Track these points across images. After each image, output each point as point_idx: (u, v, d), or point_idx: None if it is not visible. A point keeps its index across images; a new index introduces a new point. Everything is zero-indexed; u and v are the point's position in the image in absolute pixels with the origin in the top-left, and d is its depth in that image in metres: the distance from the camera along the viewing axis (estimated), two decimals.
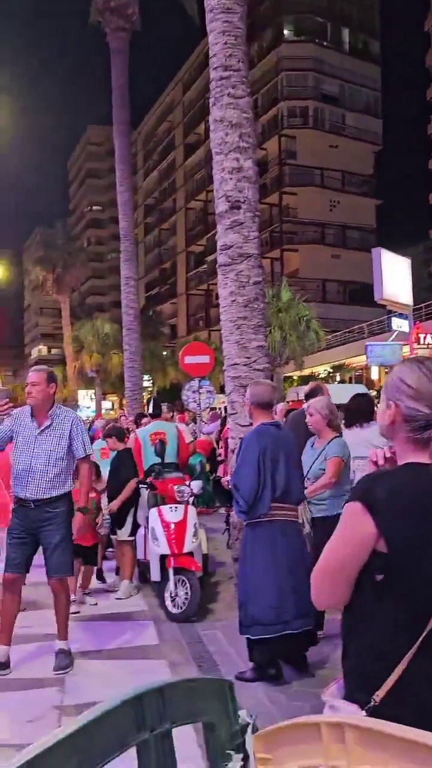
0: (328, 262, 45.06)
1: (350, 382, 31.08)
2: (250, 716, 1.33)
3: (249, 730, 1.30)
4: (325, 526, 4.86)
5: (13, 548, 4.58)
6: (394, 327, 24.10)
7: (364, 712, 1.36)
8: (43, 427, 4.55)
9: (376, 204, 48.91)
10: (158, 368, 38.70)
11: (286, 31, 46.71)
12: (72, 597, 5.73)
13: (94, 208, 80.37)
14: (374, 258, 19.22)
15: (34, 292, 45.85)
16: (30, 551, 4.63)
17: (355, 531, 1.50)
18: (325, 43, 47.59)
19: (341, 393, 10.76)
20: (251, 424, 4.83)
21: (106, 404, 39.33)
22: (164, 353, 40.64)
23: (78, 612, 5.80)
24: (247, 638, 4.33)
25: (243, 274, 6.68)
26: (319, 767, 1.15)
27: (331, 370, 32.49)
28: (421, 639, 1.40)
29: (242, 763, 1.28)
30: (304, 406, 6.29)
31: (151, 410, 7.94)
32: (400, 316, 22.47)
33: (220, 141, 6.96)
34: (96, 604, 6.21)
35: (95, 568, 6.64)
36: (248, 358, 6.62)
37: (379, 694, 1.38)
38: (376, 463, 1.69)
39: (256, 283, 6.72)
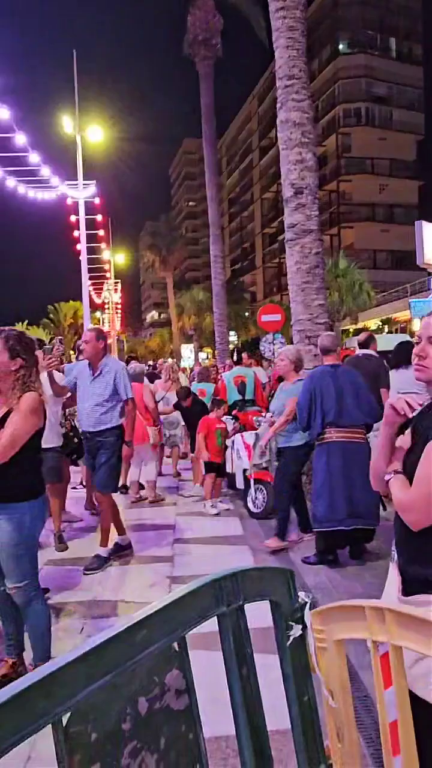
0: (378, 235, 42.61)
1: (396, 332, 29.68)
2: (308, 596, 1.27)
3: (307, 607, 1.25)
4: (286, 454, 4.69)
5: (88, 463, 4.70)
6: None
7: None
8: (95, 375, 4.37)
9: (419, 185, 45.46)
10: (241, 326, 38.30)
11: (341, 46, 43.22)
12: (210, 501, 5.89)
13: (190, 203, 79.48)
14: (417, 229, 18.14)
15: (147, 271, 46.40)
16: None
17: None
18: (375, 53, 43.76)
19: (389, 341, 10.36)
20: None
21: (202, 355, 39.53)
22: (246, 314, 40.05)
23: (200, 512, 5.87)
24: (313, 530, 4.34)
25: (306, 247, 6.40)
26: (366, 641, 1.10)
27: (380, 323, 31.08)
28: None
29: (301, 631, 1.24)
30: (357, 352, 6.04)
31: (235, 358, 7.88)
32: None
33: (286, 138, 6.61)
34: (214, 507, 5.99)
35: (221, 480, 6.26)
36: (311, 314, 6.40)
37: None
38: (396, 411, 1.50)
39: (317, 254, 6.44)
